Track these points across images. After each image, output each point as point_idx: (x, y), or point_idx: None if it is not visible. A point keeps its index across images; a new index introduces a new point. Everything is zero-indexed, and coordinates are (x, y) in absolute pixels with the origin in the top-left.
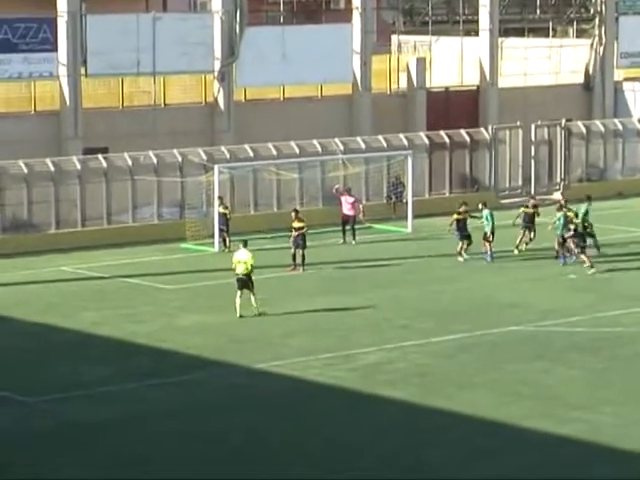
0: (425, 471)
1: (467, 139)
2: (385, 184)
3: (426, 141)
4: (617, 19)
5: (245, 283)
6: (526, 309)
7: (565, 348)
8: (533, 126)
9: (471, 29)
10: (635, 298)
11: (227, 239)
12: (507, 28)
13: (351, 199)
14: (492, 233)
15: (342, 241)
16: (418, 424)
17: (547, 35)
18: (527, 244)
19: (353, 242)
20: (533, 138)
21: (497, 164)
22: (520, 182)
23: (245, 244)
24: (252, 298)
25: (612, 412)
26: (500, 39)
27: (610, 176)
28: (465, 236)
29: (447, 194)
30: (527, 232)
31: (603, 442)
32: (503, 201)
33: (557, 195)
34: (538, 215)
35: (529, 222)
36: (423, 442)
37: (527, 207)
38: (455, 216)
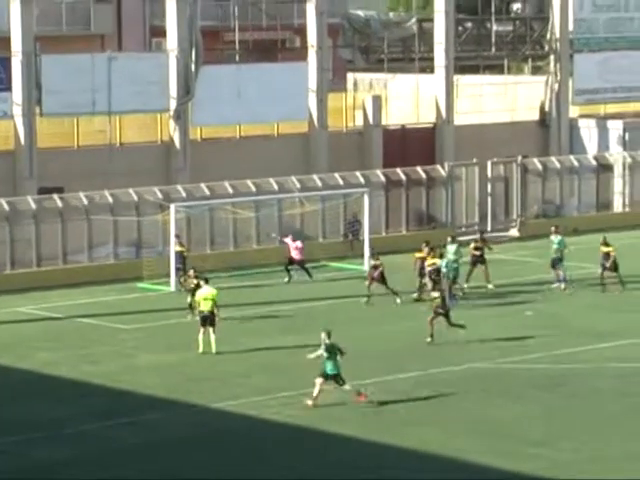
0: None
1: (423, 176)
2: (342, 222)
3: (382, 179)
4: (572, 56)
5: (208, 320)
6: (482, 346)
7: (523, 385)
8: (489, 163)
9: (427, 66)
10: (592, 335)
11: (183, 278)
12: (462, 65)
13: (295, 244)
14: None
15: (288, 279)
16: (371, 462)
17: (502, 72)
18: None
19: (310, 278)
20: (489, 175)
21: (454, 201)
22: (477, 219)
23: (207, 281)
24: (212, 336)
25: (570, 449)
26: (456, 76)
27: (566, 212)
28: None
29: (404, 231)
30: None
31: (561, 479)
32: (460, 238)
33: (514, 232)
34: (490, 249)
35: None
36: None
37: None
38: (417, 255)
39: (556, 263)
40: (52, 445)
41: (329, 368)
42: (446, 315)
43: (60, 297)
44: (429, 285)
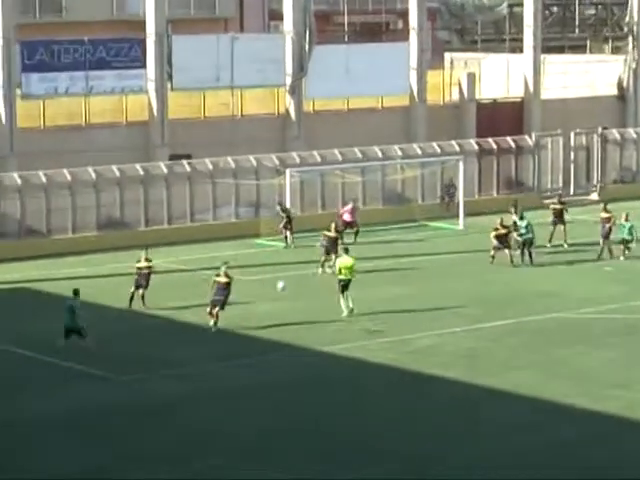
0: (473, 443)
1: (512, 145)
2: (439, 186)
3: (476, 147)
4: None
5: (346, 286)
6: (565, 298)
7: (603, 333)
8: (572, 134)
9: (516, 46)
10: None
11: (291, 236)
12: (549, 46)
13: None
14: None
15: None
16: (467, 401)
17: (585, 52)
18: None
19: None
20: (572, 144)
21: (540, 168)
22: (561, 184)
23: (347, 251)
24: (346, 299)
25: None
26: (543, 55)
27: None
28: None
29: (495, 195)
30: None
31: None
32: (546, 201)
33: (594, 196)
34: (567, 212)
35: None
36: (472, 417)
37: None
38: (493, 233)
39: None
40: (176, 382)
41: (68, 322)
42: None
43: (188, 251)
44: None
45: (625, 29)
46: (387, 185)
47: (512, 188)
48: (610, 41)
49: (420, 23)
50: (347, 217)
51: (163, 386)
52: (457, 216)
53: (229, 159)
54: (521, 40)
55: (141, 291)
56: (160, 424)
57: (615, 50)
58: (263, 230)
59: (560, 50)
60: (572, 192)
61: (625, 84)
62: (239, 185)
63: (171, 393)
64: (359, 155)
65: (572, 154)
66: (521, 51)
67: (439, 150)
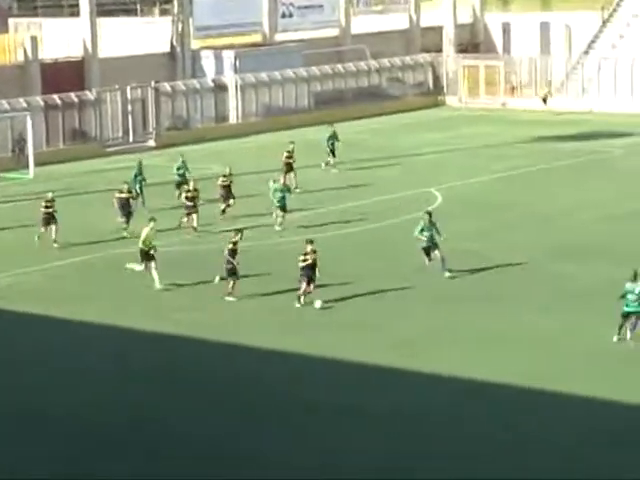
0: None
1: (76, 100)
2: (10, 140)
3: (42, 103)
4: (191, 1)
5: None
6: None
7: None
8: (129, 88)
9: (75, 12)
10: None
11: None
12: (104, 10)
13: None
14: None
15: None
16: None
17: (137, 15)
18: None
19: None
20: (129, 97)
21: (102, 120)
22: (121, 133)
23: (152, 219)
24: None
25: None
26: (99, 19)
27: (192, 125)
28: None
29: (61, 146)
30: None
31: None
32: (108, 149)
33: (151, 142)
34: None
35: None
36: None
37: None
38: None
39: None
40: None
41: None
42: None
43: None
44: None
45: None
46: None
47: (77, 139)
48: (158, 4)
49: None
50: None
51: None
52: (28, 166)
53: None
54: (79, 5)
55: None
56: None
57: (163, 12)
58: None
59: (116, 13)
60: (131, 140)
61: (175, 42)
62: None
63: None
64: None
65: (129, 106)
66: (79, 15)
67: (8, 107)
